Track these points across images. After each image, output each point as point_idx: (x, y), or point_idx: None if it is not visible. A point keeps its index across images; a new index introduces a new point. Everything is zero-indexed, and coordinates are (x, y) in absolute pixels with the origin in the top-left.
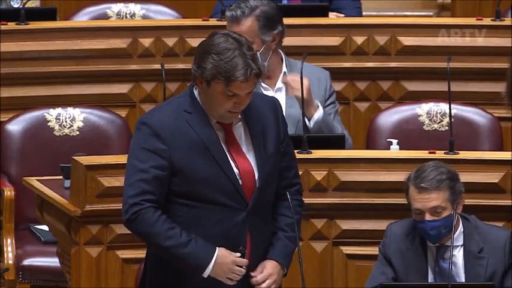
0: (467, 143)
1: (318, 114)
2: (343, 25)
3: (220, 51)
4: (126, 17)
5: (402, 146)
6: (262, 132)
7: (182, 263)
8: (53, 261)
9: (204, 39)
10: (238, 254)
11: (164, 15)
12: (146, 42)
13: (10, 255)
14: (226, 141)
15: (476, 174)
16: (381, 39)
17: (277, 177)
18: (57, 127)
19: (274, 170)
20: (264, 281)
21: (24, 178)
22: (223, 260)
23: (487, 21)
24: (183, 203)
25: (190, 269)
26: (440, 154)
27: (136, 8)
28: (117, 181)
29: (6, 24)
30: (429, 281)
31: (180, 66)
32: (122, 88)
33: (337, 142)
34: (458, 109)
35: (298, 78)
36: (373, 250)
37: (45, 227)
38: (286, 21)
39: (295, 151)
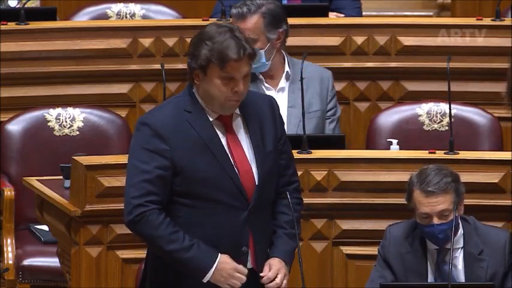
0: (467, 143)
1: None
2: (343, 25)
3: (212, 36)
4: (126, 17)
5: (402, 146)
6: (260, 129)
7: (184, 267)
8: (53, 261)
9: None
10: (241, 266)
11: (164, 15)
12: (146, 42)
13: (10, 255)
14: (227, 139)
15: (476, 174)
16: (381, 39)
17: (276, 175)
18: (57, 127)
19: (274, 167)
20: (275, 277)
21: (24, 178)
22: (224, 266)
23: (487, 21)
24: (184, 203)
25: (191, 273)
26: (440, 154)
27: (136, 8)
28: (117, 181)
29: (6, 24)
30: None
31: (180, 66)
32: (122, 88)
33: (337, 142)
34: (458, 109)
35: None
36: (373, 250)
37: (45, 227)
38: None
39: (295, 151)
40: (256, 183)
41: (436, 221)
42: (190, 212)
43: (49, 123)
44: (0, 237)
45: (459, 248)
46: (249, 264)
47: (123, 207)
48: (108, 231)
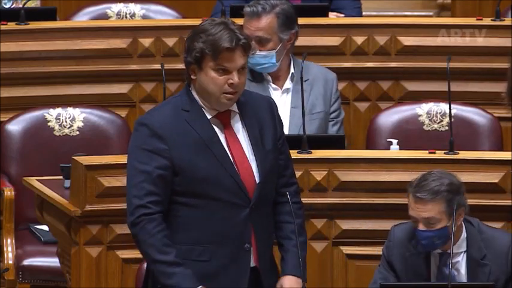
0: (467, 143)
1: None
2: (343, 25)
3: (206, 29)
4: (126, 17)
5: (402, 146)
6: (259, 128)
7: (165, 279)
8: (53, 261)
9: None
10: None
11: (164, 15)
12: (146, 42)
13: (10, 255)
14: (225, 137)
15: (476, 174)
16: (381, 39)
17: (276, 173)
18: (57, 127)
19: (274, 165)
20: None
21: (24, 178)
22: None
23: (487, 21)
24: (185, 203)
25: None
26: (440, 154)
27: (136, 8)
28: (117, 181)
29: (6, 24)
30: None
31: (180, 66)
32: (122, 88)
33: (337, 142)
34: (458, 109)
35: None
36: (373, 250)
37: (45, 227)
38: None
39: (295, 151)
40: (257, 181)
41: (421, 227)
42: (191, 211)
43: (49, 123)
44: (0, 237)
45: (462, 251)
46: (252, 263)
47: (123, 207)
48: (108, 231)
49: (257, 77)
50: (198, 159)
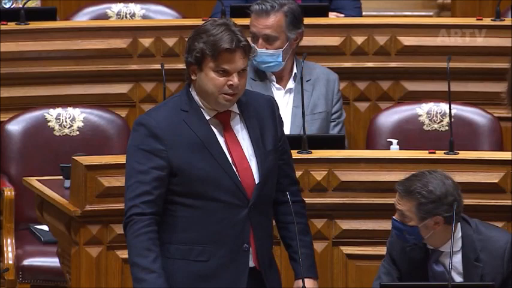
0: (467, 143)
1: None
2: (343, 25)
3: (207, 30)
4: (126, 17)
5: (402, 146)
6: (259, 128)
7: (134, 283)
8: (53, 261)
9: None
10: None
11: (164, 15)
12: (146, 42)
13: (10, 255)
14: (225, 137)
15: (476, 174)
16: (381, 39)
17: (276, 173)
18: (57, 127)
19: (274, 166)
20: None
21: (24, 178)
22: None
23: (487, 21)
24: (183, 203)
25: None
26: (440, 154)
27: (136, 8)
28: (117, 181)
29: (6, 24)
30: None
31: (180, 66)
32: (122, 88)
33: (337, 142)
34: (458, 109)
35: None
36: (373, 250)
37: (45, 227)
38: None
39: (296, 151)
40: (257, 181)
41: (396, 216)
42: (190, 212)
43: (49, 123)
44: (0, 237)
45: (456, 251)
46: (251, 263)
47: (123, 207)
48: (108, 231)
49: (260, 76)
50: (196, 160)
